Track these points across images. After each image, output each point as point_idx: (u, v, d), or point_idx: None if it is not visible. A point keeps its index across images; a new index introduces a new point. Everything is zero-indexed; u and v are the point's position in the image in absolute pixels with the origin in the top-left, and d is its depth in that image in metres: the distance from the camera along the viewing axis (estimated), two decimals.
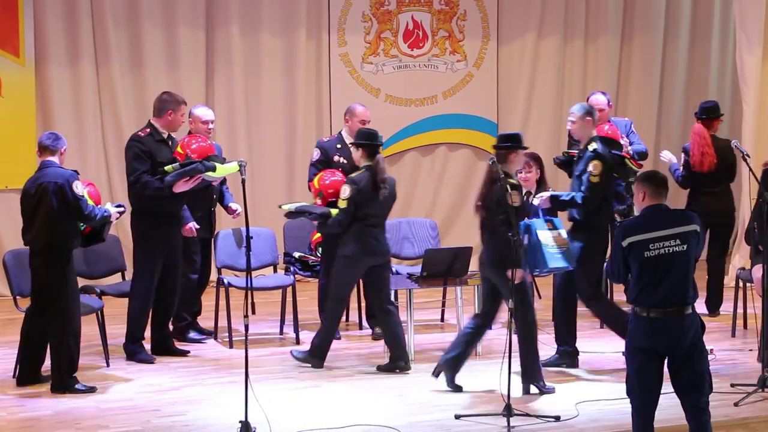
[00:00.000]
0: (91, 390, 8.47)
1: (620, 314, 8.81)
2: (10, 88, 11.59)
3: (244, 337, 7.51)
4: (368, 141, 9.09)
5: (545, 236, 8.61)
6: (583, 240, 8.88)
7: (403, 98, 13.18)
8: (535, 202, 9.08)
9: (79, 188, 8.33)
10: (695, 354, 6.64)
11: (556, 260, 8.62)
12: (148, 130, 9.25)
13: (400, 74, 13.14)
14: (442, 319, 10.74)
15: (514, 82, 13.49)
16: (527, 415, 7.74)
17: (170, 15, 12.24)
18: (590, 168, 8.78)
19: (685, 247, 6.60)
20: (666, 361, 6.68)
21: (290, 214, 9.50)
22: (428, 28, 13.19)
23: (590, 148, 8.87)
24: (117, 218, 8.71)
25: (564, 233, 8.70)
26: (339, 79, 12.87)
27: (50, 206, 8.28)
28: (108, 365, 9.13)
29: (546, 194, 9.06)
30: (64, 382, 8.43)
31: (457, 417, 7.80)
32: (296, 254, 10.27)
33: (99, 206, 8.57)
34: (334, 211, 9.15)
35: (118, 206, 8.72)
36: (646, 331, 6.59)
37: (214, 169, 9.24)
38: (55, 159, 8.46)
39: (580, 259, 8.78)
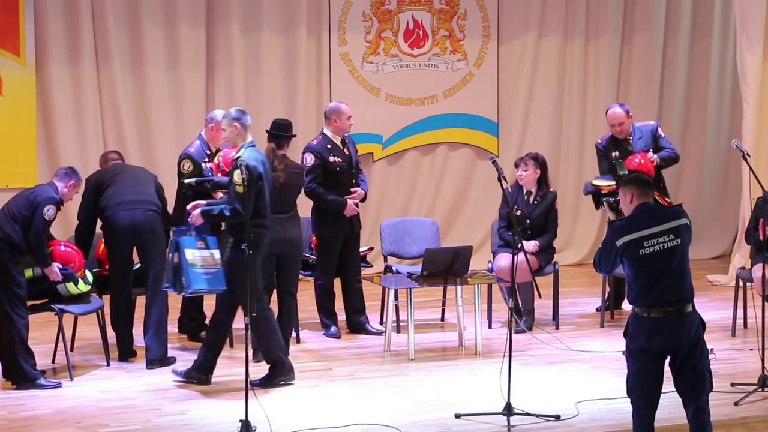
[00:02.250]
0: (57, 386, 8.53)
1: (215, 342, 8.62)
2: (10, 88, 11.58)
3: (244, 337, 7.51)
4: (282, 132, 9.27)
5: (193, 255, 8.37)
6: (233, 256, 8.42)
7: (404, 97, 13.18)
8: (191, 219, 8.54)
9: (48, 213, 8.48)
10: (696, 353, 6.65)
11: (201, 281, 8.38)
12: None
13: (400, 73, 13.14)
14: (443, 319, 10.74)
15: (515, 82, 13.48)
16: (527, 414, 7.74)
17: (171, 14, 12.23)
18: (235, 178, 8.26)
19: (679, 241, 6.62)
20: (667, 360, 6.69)
21: (190, 187, 9.44)
22: (429, 27, 13.19)
23: (238, 155, 8.45)
24: (55, 277, 8.64)
25: (217, 254, 8.43)
26: (339, 78, 12.87)
27: (18, 211, 8.48)
28: (108, 364, 9.13)
29: (197, 210, 8.51)
30: (25, 375, 8.49)
31: (458, 416, 7.81)
32: None
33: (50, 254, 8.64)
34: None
35: (63, 270, 8.71)
36: (647, 331, 6.59)
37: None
38: (59, 184, 8.70)
39: (227, 275, 8.46)
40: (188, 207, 8.68)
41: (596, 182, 10.40)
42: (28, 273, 8.68)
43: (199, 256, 8.44)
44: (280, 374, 8.60)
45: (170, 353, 9.22)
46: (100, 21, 11.97)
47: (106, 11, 11.95)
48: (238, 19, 12.45)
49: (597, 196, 10.36)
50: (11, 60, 11.54)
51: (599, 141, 10.77)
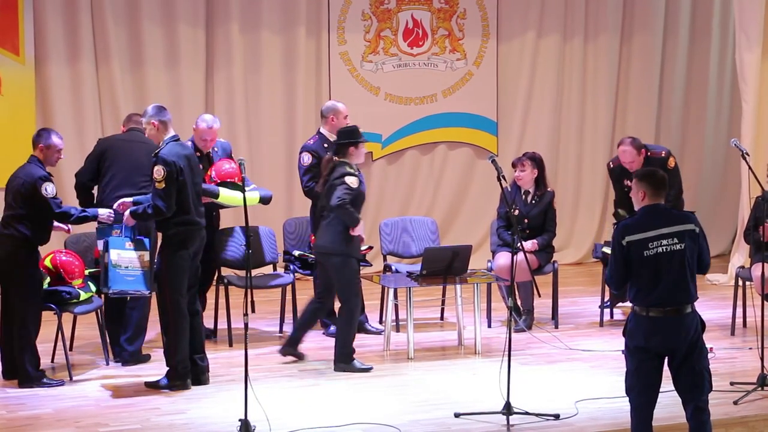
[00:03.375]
0: (60, 384, 8.55)
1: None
2: (9, 87, 11.58)
3: (243, 336, 7.52)
4: (339, 139, 9.20)
5: (118, 256, 8.36)
6: (161, 255, 8.42)
7: (403, 97, 13.18)
8: (124, 220, 8.47)
9: (48, 190, 8.43)
10: (695, 353, 6.65)
11: (122, 282, 8.37)
12: None
13: (399, 73, 13.14)
14: (442, 318, 10.74)
15: (514, 81, 13.48)
16: (527, 413, 7.74)
17: (170, 13, 12.23)
18: (154, 174, 8.27)
19: (682, 246, 6.62)
20: (666, 360, 6.69)
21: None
22: (428, 26, 13.19)
23: (156, 151, 8.42)
24: (106, 218, 8.67)
25: (147, 255, 8.41)
26: (339, 77, 12.87)
27: (19, 203, 8.45)
28: (107, 363, 9.13)
29: (127, 212, 8.46)
30: (30, 376, 8.50)
31: (457, 415, 7.81)
32: (296, 252, 10.28)
33: (82, 209, 8.69)
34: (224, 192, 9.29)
35: (67, 293, 8.72)
36: (645, 330, 6.60)
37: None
38: (36, 153, 8.61)
39: (158, 275, 8.42)
40: (115, 204, 8.65)
41: (606, 249, 10.36)
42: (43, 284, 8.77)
43: (126, 258, 8.42)
44: (172, 378, 8.50)
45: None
46: (100, 20, 11.97)
47: (106, 10, 11.95)
48: (238, 18, 12.44)
49: (606, 261, 10.32)
50: (10, 59, 11.54)
51: (610, 164, 10.70)
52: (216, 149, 9.91)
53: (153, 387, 8.50)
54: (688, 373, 6.65)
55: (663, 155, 10.46)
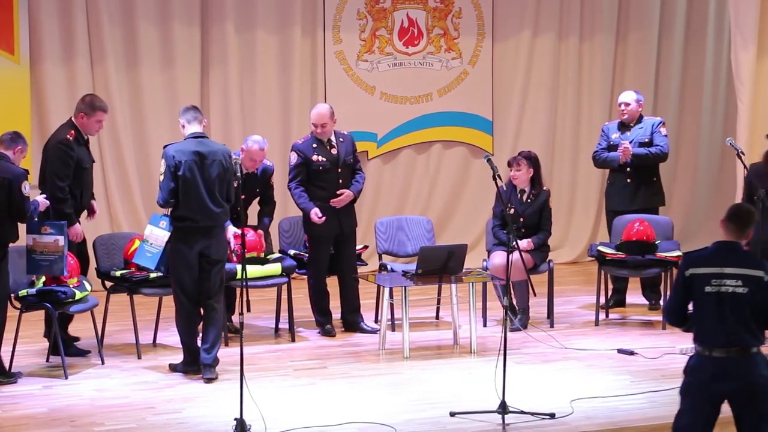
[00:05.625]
0: (13, 382, 8.56)
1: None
2: (4, 86, 11.57)
3: (239, 335, 7.51)
4: None
5: (150, 231, 8.82)
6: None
7: (398, 96, 13.18)
8: None
9: (26, 188, 8.45)
10: (763, 398, 6.25)
11: (143, 257, 8.89)
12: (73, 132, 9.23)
13: (395, 72, 13.14)
14: (437, 317, 10.75)
15: (510, 80, 13.49)
16: (522, 412, 7.74)
17: (165, 12, 12.23)
18: (160, 167, 8.63)
19: (746, 290, 6.22)
20: (728, 403, 6.30)
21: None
22: (423, 25, 13.19)
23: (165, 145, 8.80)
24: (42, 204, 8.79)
25: (166, 237, 8.71)
26: (334, 76, 12.87)
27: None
28: (103, 363, 9.13)
29: None
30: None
31: (452, 414, 7.81)
32: (291, 252, 10.29)
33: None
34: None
35: (63, 293, 8.75)
36: (710, 370, 6.24)
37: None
38: (8, 153, 8.60)
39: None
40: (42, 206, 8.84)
41: (600, 248, 10.37)
42: (38, 284, 8.78)
43: (154, 235, 8.83)
44: (184, 364, 8.86)
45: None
46: (95, 19, 11.96)
47: (101, 9, 11.94)
48: (233, 17, 12.44)
49: (601, 260, 10.38)
50: (5, 58, 11.53)
51: (606, 124, 11.29)
52: (256, 170, 9.89)
53: (173, 369, 8.86)
54: (753, 417, 6.26)
55: (659, 118, 11.06)
